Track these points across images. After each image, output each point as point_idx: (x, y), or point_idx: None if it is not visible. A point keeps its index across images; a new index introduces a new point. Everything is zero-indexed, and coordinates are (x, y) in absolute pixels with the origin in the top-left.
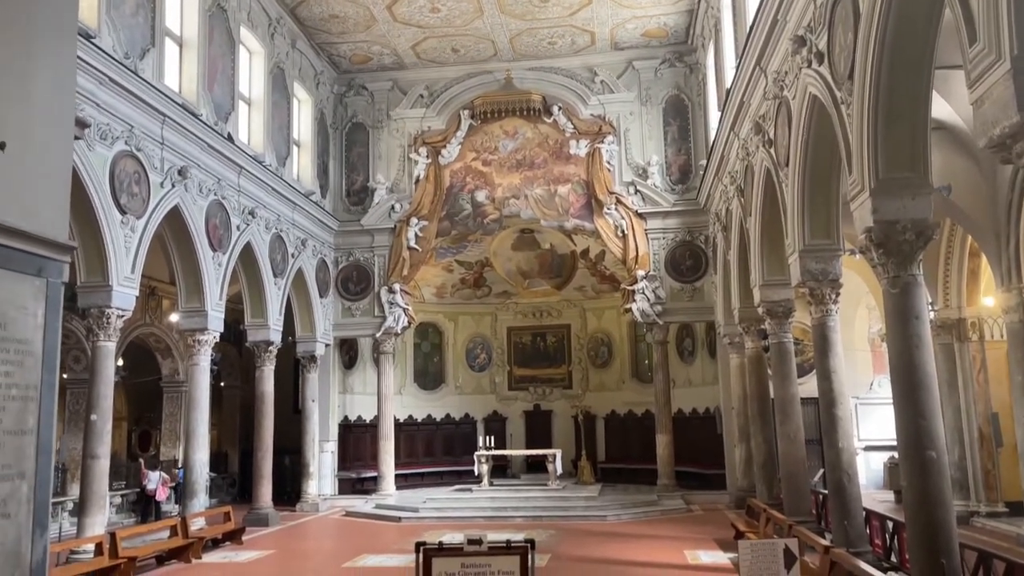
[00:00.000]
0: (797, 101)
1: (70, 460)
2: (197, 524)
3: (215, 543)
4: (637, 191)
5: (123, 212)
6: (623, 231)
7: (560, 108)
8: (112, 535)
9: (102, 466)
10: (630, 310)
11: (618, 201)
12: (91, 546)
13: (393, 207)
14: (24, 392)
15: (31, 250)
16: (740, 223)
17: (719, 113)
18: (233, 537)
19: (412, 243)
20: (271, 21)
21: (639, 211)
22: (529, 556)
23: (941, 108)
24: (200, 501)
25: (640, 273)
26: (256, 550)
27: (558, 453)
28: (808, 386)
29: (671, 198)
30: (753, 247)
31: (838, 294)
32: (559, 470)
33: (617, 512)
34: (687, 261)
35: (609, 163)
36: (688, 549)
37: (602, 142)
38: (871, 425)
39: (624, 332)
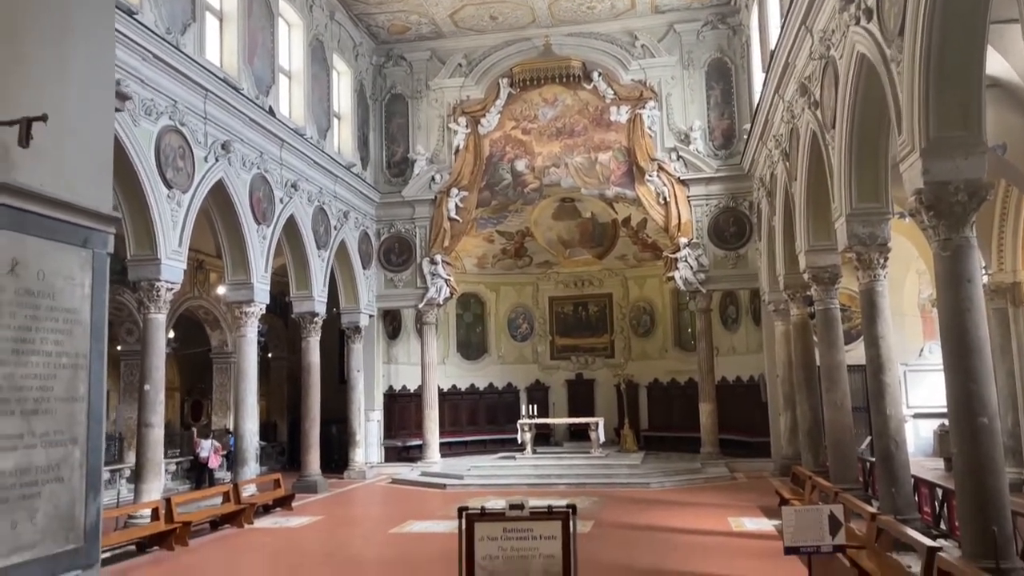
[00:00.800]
0: (844, 60)
1: (127, 429)
2: (248, 491)
3: (266, 509)
4: (679, 157)
5: (169, 186)
6: (665, 198)
7: (600, 74)
8: (167, 500)
9: (156, 434)
10: (673, 278)
11: (660, 168)
12: (148, 511)
13: (433, 178)
14: (74, 360)
15: (76, 221)
16: (785, 188)
17: (763, 75)
18: (283, 503)
19: (453, 214)
20: None
21: (681, 177)
22: (571, 521)
23: (996, 64)
24: (251, 469)
25: (683, 240)
26: (306, 516)
27: (600, 421)
28: (854, 353)
29: (714, 164)
30: (798, 212)
31: (886, 258)
32: (602, 438)
33: (660, 479)
34: (731, 228)
35: (650, 129)
36: (732, 516)
37: (643, 108)
38: (921, 392)
39: (667, 300)
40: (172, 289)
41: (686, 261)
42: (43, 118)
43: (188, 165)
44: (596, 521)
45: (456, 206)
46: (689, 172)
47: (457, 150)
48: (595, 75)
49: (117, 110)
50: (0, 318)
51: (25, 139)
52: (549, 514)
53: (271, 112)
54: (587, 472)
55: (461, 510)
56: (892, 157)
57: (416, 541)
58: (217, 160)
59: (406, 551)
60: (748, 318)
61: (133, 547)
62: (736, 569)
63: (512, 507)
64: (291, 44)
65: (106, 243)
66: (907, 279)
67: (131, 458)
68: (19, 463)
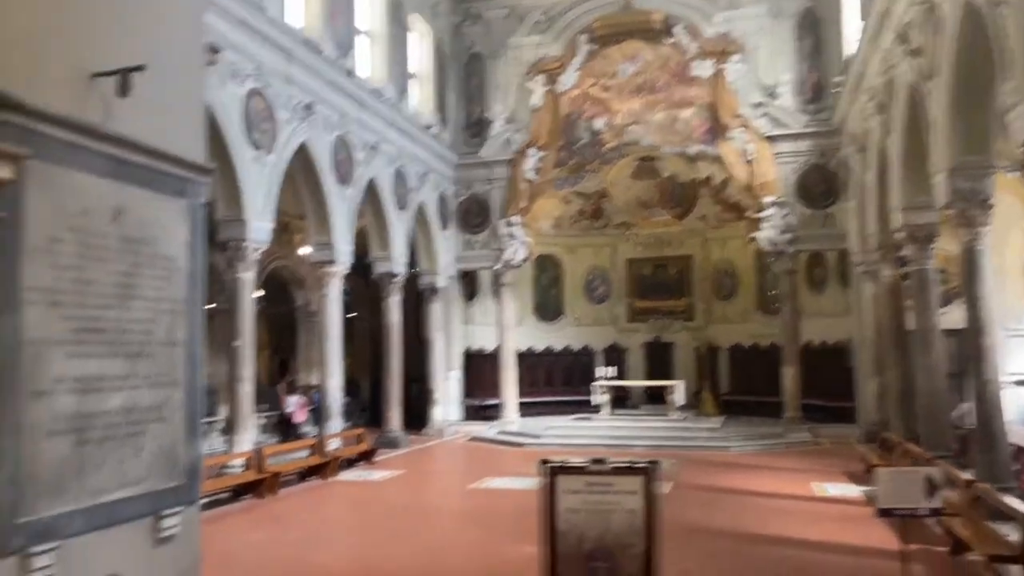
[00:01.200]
0: (948, 4)
1: (219, 384)
2: (333, 445)
3: (349, 463)
4: (765, 113)
5: (255, 148)
6: (749, 156)
7: (682, 28)
8: (258, 451)
9: (246, 388)
10: (756, 239)
11: (744, 124)
12: (240, 461)
13: (510, 138)
14: (173, 306)
15: (173, 171)
16: (879, 142)
17: (857, 24)
18: (366, 458)
19: (530, 174)
20: None
21: (767, 134)
22: (653, 476)
23: None
24: (335, 424)
25: (768, 200)
26: (387, 470)
27: (680, 384)
28: (948, 317)
29: (802, 119)
30: (894, 167)
31: (989, 216)
32: (681, 401)
33: (741, 443)
34: (819, 186)
35: (735, 84)
36: (815, 481)
37: (727, 62)
38: (1021, 358)
39: (749, 262)
40: (259, 249)
41: (771, 221)
42: (141, 68)
43: (272, 127)
44: (675, 483)
45: (533, 166)
46: (775, 128)
47: (535, 110)
48: (677, 29)
49: (208, 63)
50: (106, 264)
51: (125, 89)
52: (631, 469)
53: (350, 74)
54: (665, 434)
55: (544, 462)
56: (998, 108)
57: (493, 496)
58: (300, 122)
59: (483, 505)
60: (836, 280)
61: (227, 495)
62: (820, 533)
63: (594, 461)
64: (371, 4)
65: (201, 193)
66: (1010, 238)
67: (223, 412)
68: (125, 402)
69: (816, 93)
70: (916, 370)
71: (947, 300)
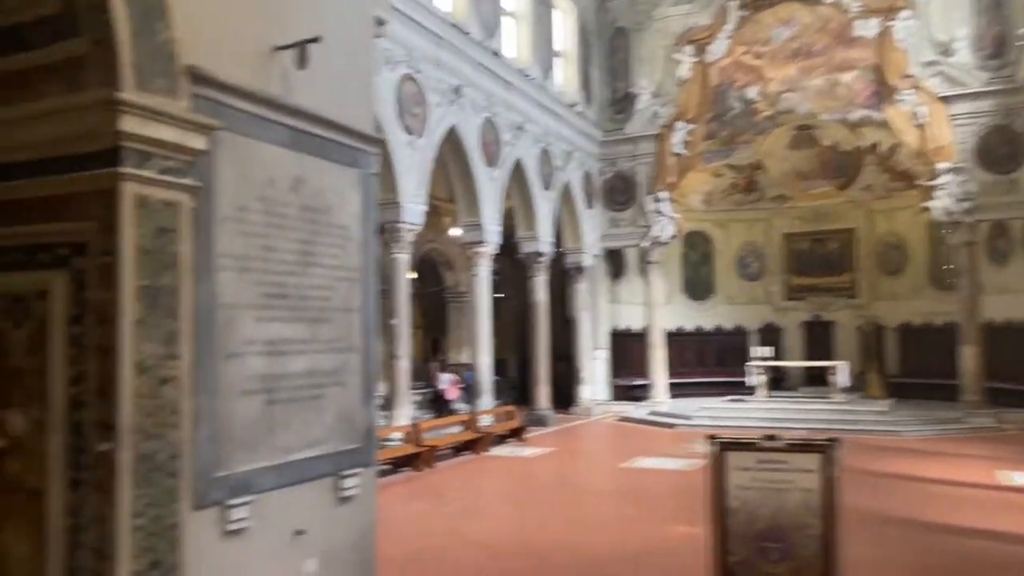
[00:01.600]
0: None
1: (378, 362)
2: (484, 421)
3: (500, 439)
4: (939, 72)
5: (407, 132)
6: (920, 119)
7: None
8: (416, 425)
9: (404, 365)
10: (930, 208)
11: (914, 85)
12: (399, 434)
13: (656, 112)
14: (348, 274)
15: (346, 142)
16: None
17: None
18: (516, 434)
19: (678, 148)
20: None
21: (941, 95)
22: (833, 454)
23: None
24: (486, 401)
25: (942, 166)
26: (537, 447)
27: (843, 364)
28: None
29: (982, 77)
30: None
31: None
32: (844, 383)
33: (914, 428)
34: (1002, 149)
35: (904, 42)
36: (999, 469)
37: (895, 19)
38: None
39: (921, 234)
40: (413, 231)
41: (946, 189)
42: (317, 39)
43: (423, 111)
44: (841, 467)
45: (682, 140)
46: (951, 88)
47: (682, 81)
48: None
49: (376, 36)
50: (288, 232)
51: (303, 61)
52: (807, 446)
53: (497, 55)
54: (827, 417)
55: (712, 437)
56: None
57: (646, 476)
58: (449, 105)
59: (636, 484)
60: (1022, 251)
61: (387, 466)
62: (1006, 524)
63: (766, 438)
64: None
65: (372, 164)
66: None
67: (381, 388)
68: (308, 366)
69: (997, 48)
70: None
71: None
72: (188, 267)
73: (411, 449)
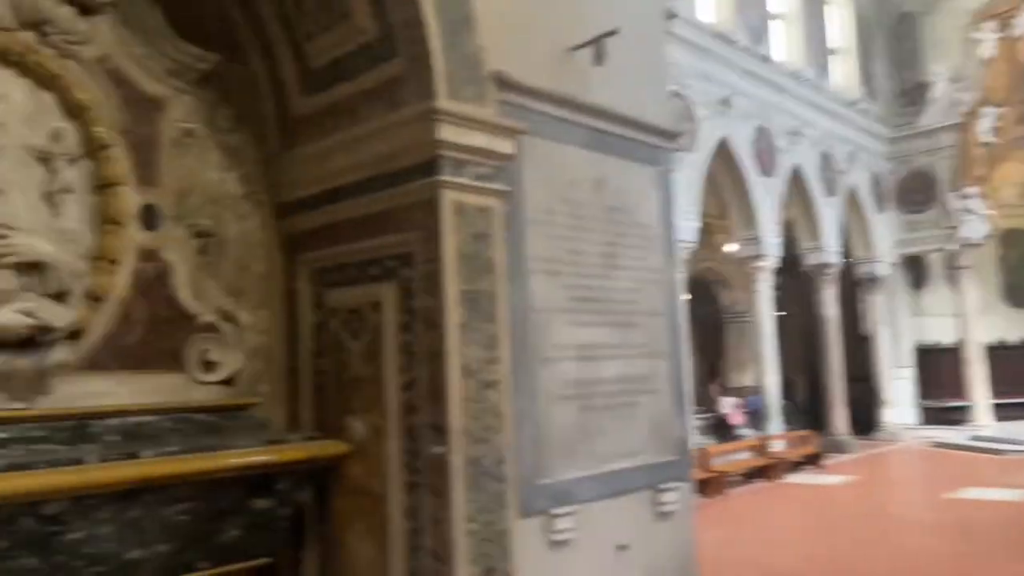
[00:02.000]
0: None
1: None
2: (775, 447)
3: (794, 465)
4: None
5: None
6: None
7: None
8: (702, 450)
9: (686, 388)
10: None
11: None
12: None
13: (956, 99)
14: (652, 275)
15: (644, 139)
16: None
17: None
18: (812, 461)
19: (985, 137)
20: None
21: None
22: None
23: None
24: (774, 425)
25: None
26: (838, 474)
27: None
28: None
29: None
30: None
31: None
32: None
33: None
34: None
35: None
36: None
37: None
38: None
39: None
40: (687, 248)
41: None
42: (614, 32)
43: (692, 126)
44: None
45: (990, 127)
46: None
47: (985, 62)
48: None
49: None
50: (592, 233)
51: (600, 58)
52: None
53: (766, 60)
54: None
55: None
56: None
57: (976, 507)
58: (718, 117)
59: (965, 516)
60: None
61: None
62: None
63: None
64: None
65: (671, 160)
66: None
67: None
68: (619, 372)
69: None
70: None
71: None
72: (502, 271)
73: (700, 475)
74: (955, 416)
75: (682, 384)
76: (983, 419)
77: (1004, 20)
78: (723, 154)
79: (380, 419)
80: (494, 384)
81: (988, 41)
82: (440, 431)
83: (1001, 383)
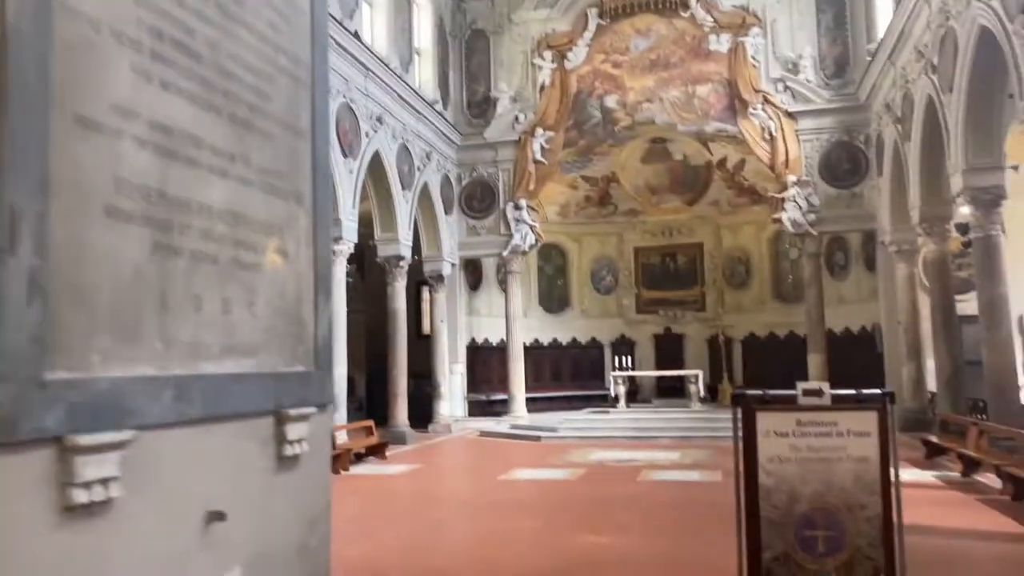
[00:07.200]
0: None
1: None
2: (340, 438)
3: (359, 457)
4: (787, 88)
5: None
6: (771, 133)
7: (698, 0)
8: None
9: None
10: (780, 220)
11: (765, 100)
12: None
13: (517, 118)
14: (294, 68)
15: None
16: (927, 105)
17: None
18: (376, 452)
19: (538, 155)
20: None
21: (789, 110)
22: (888, 412)
23: None
24: (341, 415)
25: (791, 179)
26: (402, 464)
27: (700, 374)
28: (966, 305)
29: (825, 95)
30: (954, 127)
31: None
32: (701, 391)
33: None
34: (844, 164)
35: (754, 58)
36: None
37: (746, 35)
38: None
39: (764, 249)
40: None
41: (795, 201)
42: None
43: None
44: (723, 470)
45: (541, 147)
46: (798, 104)
47: (542, 88)
48: (693, 1)
49: None
50: None
51: None
52: (860, 404)
53: (357, 36)
54: (690, 425)
55: (736, 396)
56: None
57: (531, 487)
58: None
59: (525, 495)
60: (859, 264)
61: None
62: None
63: (807, 392)
64: None
65: None
66: None
67: None
68: (230, 200)
69: (839, 67)
70: (984, 346)
71: (965, 287)
72: None
73: None
74: (498, 408)
75: (328, 261)
76: (520, 410)
77: (560, 52)
78: None
79: None
80: None
81: (546, 69)
82: None
83: (533, 379)
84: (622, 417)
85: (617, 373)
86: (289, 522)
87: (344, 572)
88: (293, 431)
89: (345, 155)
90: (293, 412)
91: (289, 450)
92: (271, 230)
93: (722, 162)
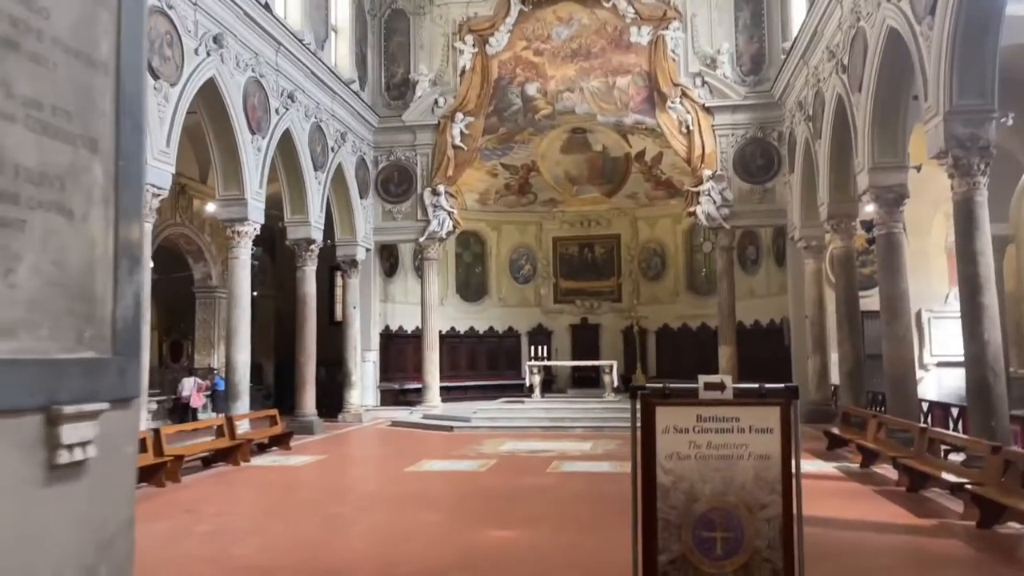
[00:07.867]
0: None
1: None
2: (242, 427)
3: (261, 448)
4: (704, 83)
5: (155, 76)
6: (688, 127)
7: None
8: (156, 431)
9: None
10: (694, 213)
11: (683, 94)
12: None
13: (436, 102)
14: None
15: None
16: (837, 103)
17: None
18: (279, 442)
19: (457, 141)
20: None
21: (706, 104)
22: (792, 409)
23: None
24: (243, 404)
25: (706, 173)
26: (307, 455)
27: (615, 364)
28: (869, 300)
29: (742, 91)
30: (862, 127)
31: (987, 164)
32: (615, 382)
33: None
34: (758, 160)
35: (674, 52)
36: None
37: (666, 29)
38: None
39: (679, 242)
40: (159, 195)
41: (709, 195)
42: None
43: (176, 55)
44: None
45: (461, 132)
46: (715, 99)
47: (463, 72)
48: None
49: None
50: None
51: None
52: (763, 399)
53: (267, 8)
54: (603, 416)
55: (635, 389)
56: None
57: (437, 479)
58: (208, 54)
59: (430, 488)
60: (770, 259)
61: None
62: (829, 510)
63: (709, 386)
64: None
65: None
66: (934, 221)
67: None
68: None
69: (755, 64)
70: (884, 339)
71: (867, 283)
72: None
73: (150, 460)
74: (411, 397)
75: (138, 216)
76: (434, 400)
77: (482, 37)
78: (211, 100)
79: None
80: None
81: (467, 53)
82: None
83: (448, 368)
84: (536, 407)
85: (533, 363)
86: (66, 546)
87: (227, 571)
88: (72, 433)
89: (253, 132)
90: (71, 409)
91: (66, 456)
92: (45, 180)
93: (640, 155)
